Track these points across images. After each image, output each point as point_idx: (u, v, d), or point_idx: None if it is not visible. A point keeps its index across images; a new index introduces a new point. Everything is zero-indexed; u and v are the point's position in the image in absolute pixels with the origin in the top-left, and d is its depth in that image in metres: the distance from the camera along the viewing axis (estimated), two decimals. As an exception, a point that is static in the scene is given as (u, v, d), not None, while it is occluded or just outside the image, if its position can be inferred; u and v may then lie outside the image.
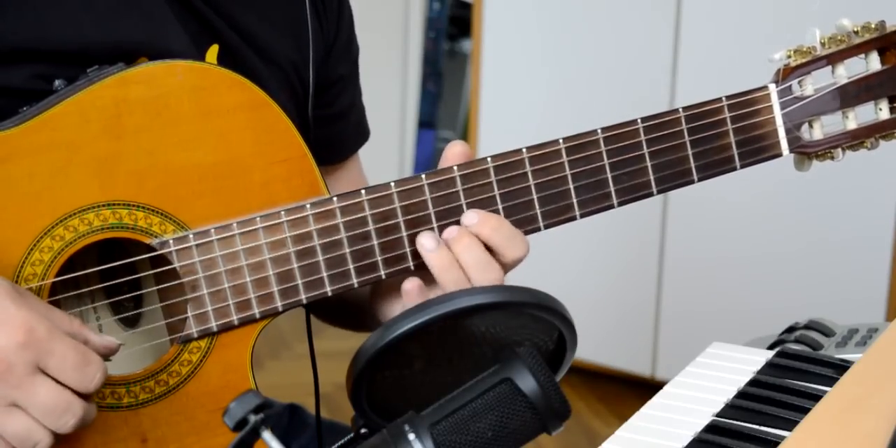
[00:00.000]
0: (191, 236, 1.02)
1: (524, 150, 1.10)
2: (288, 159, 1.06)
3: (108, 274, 1.04)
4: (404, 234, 1.07)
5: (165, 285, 1.05)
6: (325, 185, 1.08)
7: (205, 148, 1.03)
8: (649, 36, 2.81)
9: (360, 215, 1.06)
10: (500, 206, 1.09)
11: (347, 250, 1.06)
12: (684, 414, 0.93)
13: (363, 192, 1.06)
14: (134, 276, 1.05)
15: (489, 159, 1.09)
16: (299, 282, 1.05)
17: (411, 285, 1.07)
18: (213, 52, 1.12)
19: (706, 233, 2.85)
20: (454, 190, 1.08)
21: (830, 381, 0.96)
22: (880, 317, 2.61)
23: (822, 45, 1.18)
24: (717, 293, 2.85)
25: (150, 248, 1.02)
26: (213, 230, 1.03)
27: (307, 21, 1.19)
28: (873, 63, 1.19)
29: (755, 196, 2.73)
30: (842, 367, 0.99)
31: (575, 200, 1.11)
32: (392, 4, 3.87)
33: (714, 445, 0.89)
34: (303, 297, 1.06)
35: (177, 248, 1.02)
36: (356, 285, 1.07)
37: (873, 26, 1.19)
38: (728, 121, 1.15)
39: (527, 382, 0.81)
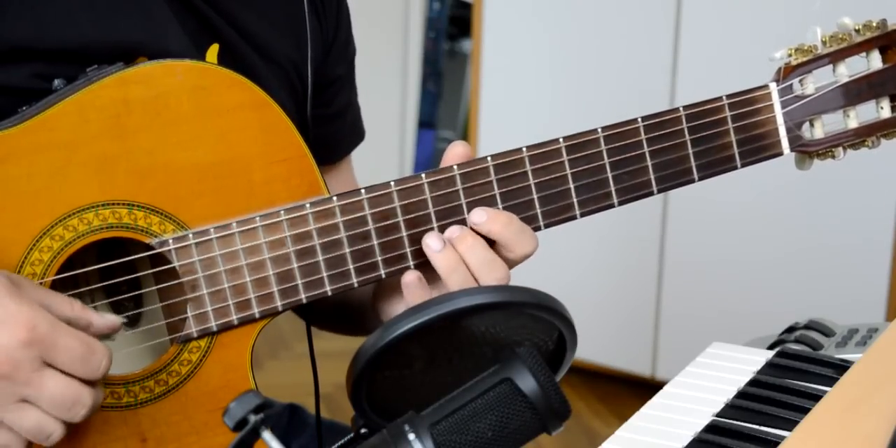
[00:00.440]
0: (190, 236, 1.02)
1: (524, 149, 1.10)
2: (288, 159, 1.06)
3: (108, 273, 1.04)
4: (404, 233, 1.07)
5: (165, 285, 1.05)
6: (324, 184, 1.08)
7: (204, 147, 1.03)
8: (649, 36, 2.81)
9: (359, 214, 1.06)
10: (500, 206, 1.09)
11: (347, 250, 1.06)
12: (684, 414, 0.93)
13: (363, 191, 1.06)
14: (133, 276, 1.05)
15: (489, 158, 1.09)
16: (299, 281, 1.05)
17: (411, 277, 1.06)
18: (213, 51, 1.12)
19: (706, 233, 2.85)
20: (454, 189, 1.08)
21: (830, 381, 0.96)
22: (880, 317, 2.61)
23: (824, 43, 1.18)
24: (717, 293, 2.85)
25: (150, 248, 1.02)
26: (212, 229, 1.03)
27: (306, 20, 1.19)
28: (874, 61, 1.19)
29: (755, 196, 2.73)
30: (842, 367, 0.99)
31: (575, 200, 1.11)
32: (392, 4, 3.87)
33: (714, 445, 0.88)
34: (302, 296, 1.06)
35: (176, 247, 1.02)
36: (356, 285, 1.07)
37: (874, 25, 1.18)
38: (729, 120, 1.15)
39: (527, 382, 0.81)
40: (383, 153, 3.90)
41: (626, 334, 3.01)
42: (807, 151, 1.19)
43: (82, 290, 1.04)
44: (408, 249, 1.08)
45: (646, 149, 1.13)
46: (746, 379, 0.99)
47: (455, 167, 1.08)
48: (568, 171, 1.11)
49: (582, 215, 1.12)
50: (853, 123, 1.19)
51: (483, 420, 0.81)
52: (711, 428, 0.91)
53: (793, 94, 1.17)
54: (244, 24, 1.15)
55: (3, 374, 0.88)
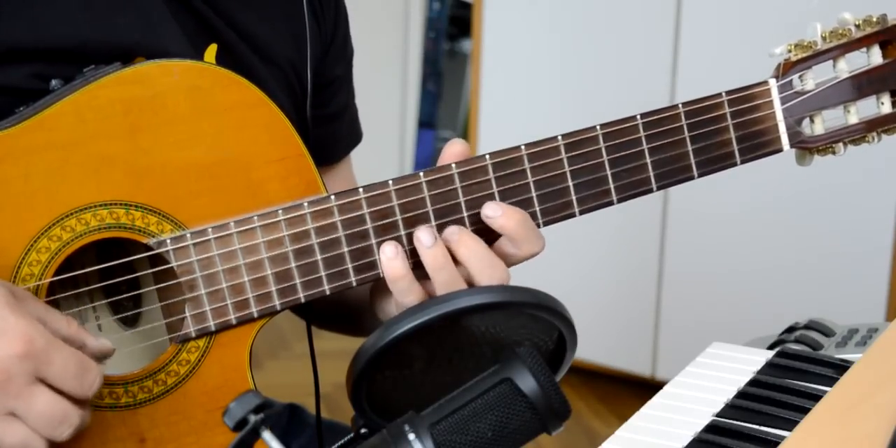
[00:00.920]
0: (188, 235, 1.02)
1: (523, 147, 1.09)
2: (285, 158, 1.06)
3: (107, 274, 1.04)
4: (402, 232, 1.07)
5: (164, 285, 1.05)
6: (322, 183, 1.08)
7: (202, 147, 1.03)
8: (649, 36, 2.81)
9: (357, 213, 1.06)
10: (498, 204, 1.09)
11: (346, 249, 1.06)
12: (684, 414, 0.93)
13: (361, 190, 1.06)
14: (132, 276, 1.05)
15: (487, 157, 1.08)
16: (297, 281, 1.05)
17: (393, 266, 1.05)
18: (211, 51, 1.12)
19: (706, 233, 2.85)
20: (452, 187, 1.08)
21: (830, 381, 0.96)
22: (880, 317, 2.61)
23: (823, 39, 1.17)
24: (717, 293, 2.85)
25: (148, 248, 1.02)
26: (210, 229, 1.03)
27: (305, 20, 1.19)
28: (875, 57, 1.19)
29: (756, 196, 2.73)
30: (842, 367, 0.99)
31: (574, 197, 1.11)
32: (392, 4, 3.88)
33: (714, 445, 0.88)
34: (301, 295, 1.05)
35: (174, 247, 1.02)
36: (354, 284, 1.07)
37: (875, 20, 1.18)
38: (728, 116, 1.15)
39: (527, 382, 0.81)
40: (383, 153, 3.90)
41: (626, 334, 3.01)
42: (807, 147, 1.19)
43: (81, 290, 1.04)
44: (407, 249, 1.07)
45: (645, 146, 1.12)
46: (746, 379, 0.99)
47: (453, 165, 1.08)
48: (567, 169, 1.10)
49: (581, 213, 1.12)
50: (853, 119, 1.19)
51: (483, 420, 0.80)
52: (711, 428, 0.91)
53: (793, 90, 1.17)
54: (243, 25, 1.15)
55: None
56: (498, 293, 0.93)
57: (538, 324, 0.95)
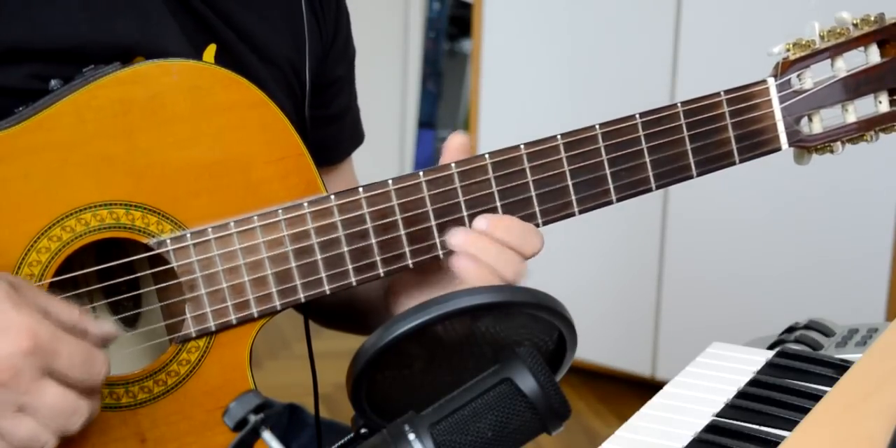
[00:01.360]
0: (188, 236, 1.02)
1: (522, 146, 1.09)
2: (285, 158, 1.06)
3: (107, 274, 1.04)
4: (402, 231, 1.07)
5: (164, 285, 1.05)
6: (322, 183, 1.08)
7: (201, 147, 1.03)
8: (649, 36, 2.81)
9: (357, 213, 1.06)
10: (498, 204, 1.09)
11: (346, 249, 1.06)
12: (684, 414, 0.93)
13: (360, 189, 1.06)
14: (132, 276, 1.05)
15: (487, 156, 1.09)
16: (297, 281, 1.05)
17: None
18: (210, 51, 1.12)
19: (706, 233, 2.85)
20: (452, 187, 1.08)
21: (830, 381, 0.96)
22: (880, 317, 2.61)
23: (822, 38, 1.18)
24: (717, 293, 2.85)
25: (148, 248, 1.02)
26: (210, 229, 1.03)
27: (304, 20, 1.18)
28: (873, 56, 1.19)
29: (755, 196, 2.73)
30: (842, 367, 0.99)
31: (574, 197, 1.11)
32: (392, 4, 3.88)
33: (714, 445, 0.88)
34: (301, 295, 1.05)
35: (174, 247, 1.02)
36: (354, 283, 1.07)
37: (873, 19, 1.18)
38: (727, 115, 1.15)
39: (527, 382, 0.81)
40: (383, 153, 3.90)
41: (626, 334, 3.01)
42: (805, 146, 1.19)
43: (81, 290, 1.04)
44: (406, 248, 1.07)
45: (644, 145, 1.12)
46: (746, 379, 0.99)
47: (453, 165, 1.08)
48: (566, 168, 1.10)
49: (580, 212, 1.12)
50: (852, 118, 1.19)
51: (483, 420, 0.80)
52: (711, 428, 0.91)
53: (791, 88, 1.17)
54: (242, 25, 1.15)
55: (3, 381, 0.87)
56: (498, 293, 0.93)
57: (538, 324, 0.94)
